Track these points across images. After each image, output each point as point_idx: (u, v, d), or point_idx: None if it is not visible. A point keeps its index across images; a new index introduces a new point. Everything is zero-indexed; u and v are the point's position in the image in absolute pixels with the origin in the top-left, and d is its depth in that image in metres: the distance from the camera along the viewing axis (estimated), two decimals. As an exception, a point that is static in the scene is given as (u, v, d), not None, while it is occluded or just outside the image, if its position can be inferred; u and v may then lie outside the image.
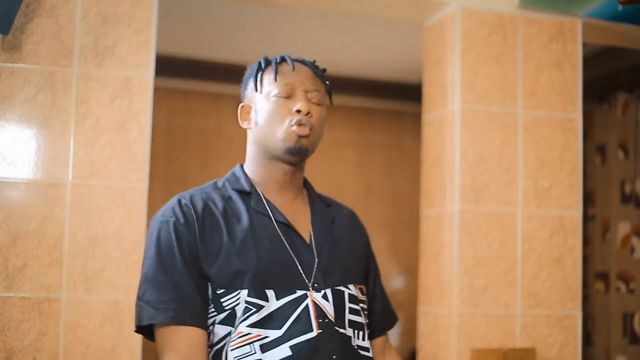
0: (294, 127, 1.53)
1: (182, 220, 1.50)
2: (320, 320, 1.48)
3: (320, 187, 1.80)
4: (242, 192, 1.58)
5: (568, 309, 2.66)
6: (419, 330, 2.76)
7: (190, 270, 1.47)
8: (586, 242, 3.86)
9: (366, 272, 1.70)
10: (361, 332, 1.56)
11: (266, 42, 4.14)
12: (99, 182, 2.29)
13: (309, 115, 1.54)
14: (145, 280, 1.48)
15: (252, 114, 1.62)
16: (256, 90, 1.60)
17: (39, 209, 2.24)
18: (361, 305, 1.60)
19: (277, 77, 1.57)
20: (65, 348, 2.21)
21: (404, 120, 5.37)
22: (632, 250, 3.62)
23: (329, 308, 1.50)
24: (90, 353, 2.23)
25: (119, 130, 2.32)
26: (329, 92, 1.66)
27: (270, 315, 1.46)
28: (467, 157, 2.61)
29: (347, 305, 1.54)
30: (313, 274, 1.52)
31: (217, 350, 1.48)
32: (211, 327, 1.49)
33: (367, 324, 1.63)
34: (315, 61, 1.65)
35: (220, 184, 1.62)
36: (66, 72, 2.29)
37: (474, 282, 2.58)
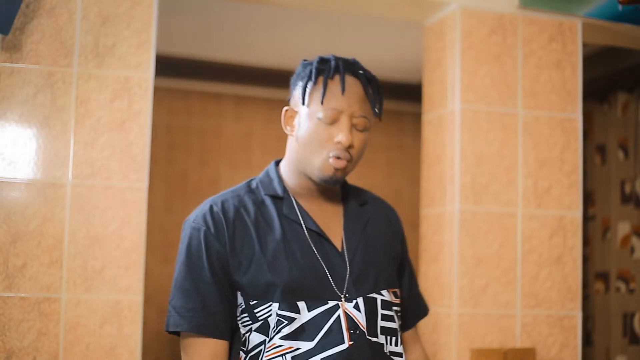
0: (331, 160, 1.48)
1: (212, 230, 1.49)
2: (352, 332, 1.46)
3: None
4: (274, 197, 1.55)
5: (568, 309, 2.66)
6: (419, 330, 2.75)
7: (218, 281, 1.48)
8: (586, 242, 3.86)
9: (400, 268, 1.67)
10: (394, 338, 1.54)
11: (266, 42, 4.14)
12: (99, 182, 2.29)
13: (350, 147, 1.48)
14: (175, 286, 1.51)
15: (296, 123, 1.54)
16: (302, 103, 1.51)
17: (39, 209, 2.24)
18: (395, 308, 1.57)
19: (324, 99, 1.47)
20: (65, 348, 2.21)
21: (404, 120, 5.37)
22: (632, 250, 3.62)
23: (360, 318, 1.48)
24: (90, 353, 2.23)
25: (119, 130, 2.32)
26: (380, 107, 1.55)
27: (302, 327, 1.45)
28: (467, 157, 2.61)
29: (380, 312, 1.52)
30: (345, 283, 1.49)
31: (252, 356, 1.49)
32: (247, 334, 1.50)
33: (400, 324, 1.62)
34: (370, 77, 1.53)
35: (254, 185, 1.58)
36: (66, 72, 2.29)
37: (474, 282, 2.58)
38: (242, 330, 1.51)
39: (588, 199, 3.86)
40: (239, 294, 1.50)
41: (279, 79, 3.73)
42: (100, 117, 2.31)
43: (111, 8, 2.35)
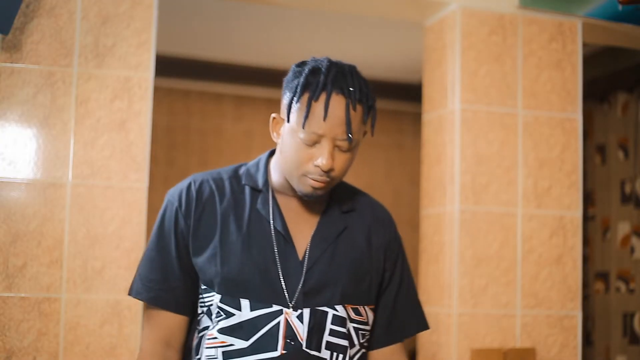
0: (310, 181, 1.44)
1: (183, 208, 1.51)
2: (288, 341, 1.43)
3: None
4: (253, 189, 1.53)
5: (568, 309, 2.66)
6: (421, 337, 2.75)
7: (181, 257, 1.50)
8: (586, 242, 3.86)
9: (385, 280, 1.59)
10: (341, 355, 1.48)
11: (266, 42, 4.14)
12: (98, 182, 2.29)
13: (330, 170, 1.43)
14: (146, 252, 1.54)
15: (281, 132, 1.49)
16: (287, 120, 1.45)
17: (39, 209, 2.24)
18: (354, 325, 1.51)
19: (306, 122, 1.41)
20: (65, 348, 2.21)
21: (404, 120, 5.37)
22: (632, 250, 3.62)
23: (300, 329, 1.44)
24: (90, 353, 2.23)
25: (119, 130, 2.32)
26: (372, 124, 1.50)
27: (240, 324, 1.44)
28: (467, 157, 2.61)
29: (329, 327, 1.47)
30: (297, 291, 1.46)
31: (200, 337, 1.51)
32: (201, 316, 1.52)
33: (369, 339, 1.56)
34: (359, 94, 1.45)
35: (241, 171, 1.56)
36: (66, 72, 2.29)
37: (474, 282, 2.58)
38: (198, 310, 1.53)
39: (588, 199, 3.86)
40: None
41: (279, 79, 3.70)
42: (100, 117, 2.31)
43: (111, 8, 2.34)
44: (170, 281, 1.50)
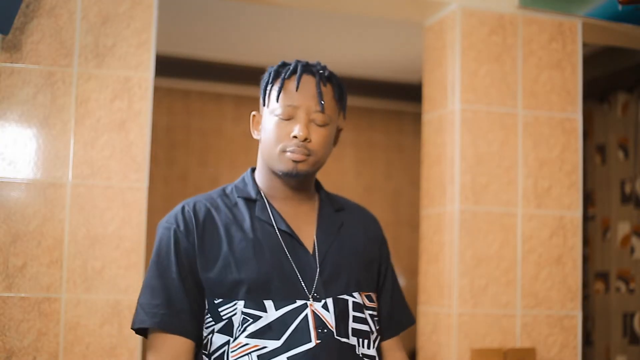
0: (289, 154, 1.51)
1: (182, 227, 1.51)
2: (320, 331, 1.46)
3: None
4: (247, 200, 1.57)
5: (568, 309, 2.67)
6: (419, 330, 2.76)
7: (184, 279, 1.49)
8: (586, 242, 3.86)
9: (379, 273, 1.67)
10: (366, 341, 1.53)
11: (266, 42, 4.14)
12: (98, 182, 2.30)
13: (306, 141, 1.51)
14: (143, 284, 1.52)
15: (260, 127, 1.60)
16: (264, 105, 1.58)
17: (39, 209, 2.24)
18: (369, 312, 1.57)
19: (280, 96, 1.53)
20: (65, 348, 2.22)
21: (404, 120, 5.37)
22: (632, 250, 3.62)
23: (329, 318, 1.47)
24: (90, 353, 2.23)
25: (119, 130, 2.32)
26: (343, 106, 1.61)
27: (269, 325, 1.45)
28: (467, 157, 2.61)
29: (351, 313, 1.52)
30: (314, 284, 1.50)
31: (215, 358, 1.49)
32: (210, 336, 1.50)
33: (378, 329, 1.61)
34: (328, 73, 1.58)
35: (228, 189, 1.61)
36: (66, 72, 2.29)
37: (474, 282, 2.58)
38: (204, 333, 1.51)
39: (588, 199, 3.86)
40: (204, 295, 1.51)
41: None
42: (100, 117, 2.31)
43: (111, 8, 2.35)
44: (175, 304, 1.47)
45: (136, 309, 1.50)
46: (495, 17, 2.69)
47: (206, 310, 1.51)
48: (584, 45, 2.87)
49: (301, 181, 1.58)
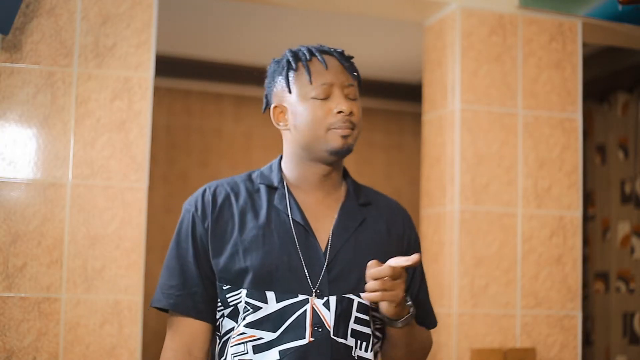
0: (338, 130, 1.49)
1: (199, 212, 1.52)
2: (315, 328, 1.44)
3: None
4: (269, 187, 1.56)
5: (568, 309, 2.66)
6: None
7: (199, 262, 1.50)
8: (586, 242, 3.86)
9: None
10: (364, 343, 1.50)
11: (266, 42, 4.14)
12: (98, 182, 2.29)
13: (351, 115, 1.50)
14: (165, 263, 1.54)
15: (289, 116, 1.54)
16: (289, 92, 1.53)
17: (39, 209, 2.24)
18: (374, 314, 1.53)
19: (312, 78, 1.51)
20: (65, 348, 2.21)
21: (404, 120, 5.37)
22: (632, 250, 3.62)
23: (327, 316, 1.46)
24: (90, 353, 2.23)
25: (119, 130, 2.32)
26: (359, 83, 1.60)
27: (267, 317, 1.45)
28: (467, 157, 2.61)
29: (354, 314, 1.49)
30: (319, 280, 1.48)
31: (223, 342, 1.51)
32: (220, 320, 1.51)
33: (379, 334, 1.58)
34: (343, 51, 1.59)
35: (254, 175, 1.60)
36: (66, 72, 2.29)
37: (474, 282, 2.58)
38: (217, 315, 1.53)
39: (588, 199, 3.86)
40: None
41: (279, 79, 3.70)
42: (100, 117, 2.31)
43: (111, 8, 2.34)
44: (189, 286, 1.49)
45: (157, 288, 1.53)
46: (495, 17, 2.69)
47: (219, 294, 1.52)
48: (584, 45, 2.87)
49: (337, 164, 1.55)
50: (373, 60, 4.43)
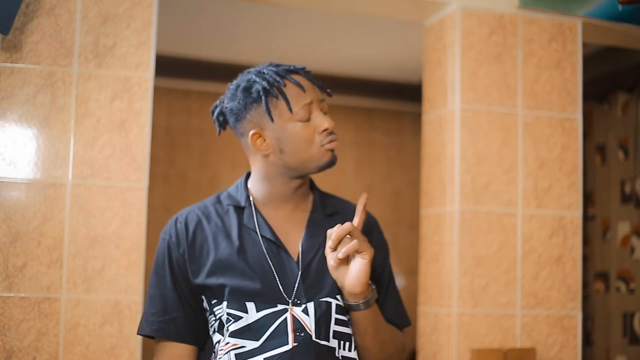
0: (327, 145, 1.59)
1: (174, 239, 1.60)
2: (297, 334, 1.50)
3: (319, 187, 1.80)
4: (237, 207, 1.63)
5: (568, 309, 2.67)
6: (419, 330, 2.76)
7: (178, 287, 1.58)
8: (586, 242, 3.86)
9: (373, 275, 1.66)
10: (347, 343, 1.57)
11: (266, 42, 4.14)
12: (98, 182, 2.30)
13: (332, 129, 1.60)
14: (147, 292, 1.63)
15: (271, 141, 1.59)
16: (271, 121, 1.58)
17: (39, 209, 2.24)
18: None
19: (292, 103, 1.57)
20: (65, 348, 2.22)
21: (404, 120, 5.37)
22: (632, 250, 3.62)
23: (307, 322, 1.52)
24: (90, 353, 2.23)
25: (119, 130, 2.32)
26: (328, 94, 1.68)
27: (248, 326, 1.51)
28: (467, 157, 2.61)
29: (334, 316, 1.55)
30: (295, 289, 1.54)
31: (213, 355, 1.58)
32: (212, 334, 1.59)
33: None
34: (304, 67, 1.65)
35: (222, 196, 1.67)
36: (66, 72, 2.29)
37: (474, 282, 2.58)
38: (210, 331, 1.60)
39: (588, 199, 3.86)
40: (203, 298, 1.59)
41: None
42: (100, 117, 2.31)
43: (111, 8, 2.35)
44: (169, 312, 1.57)
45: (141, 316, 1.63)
46: (495, 17, 2.69)
47: (208, 310, 1.59)
48: (584, 45, 2.87)
49: (303, 182, 1.64)
50: (373, 60, 4.43)
